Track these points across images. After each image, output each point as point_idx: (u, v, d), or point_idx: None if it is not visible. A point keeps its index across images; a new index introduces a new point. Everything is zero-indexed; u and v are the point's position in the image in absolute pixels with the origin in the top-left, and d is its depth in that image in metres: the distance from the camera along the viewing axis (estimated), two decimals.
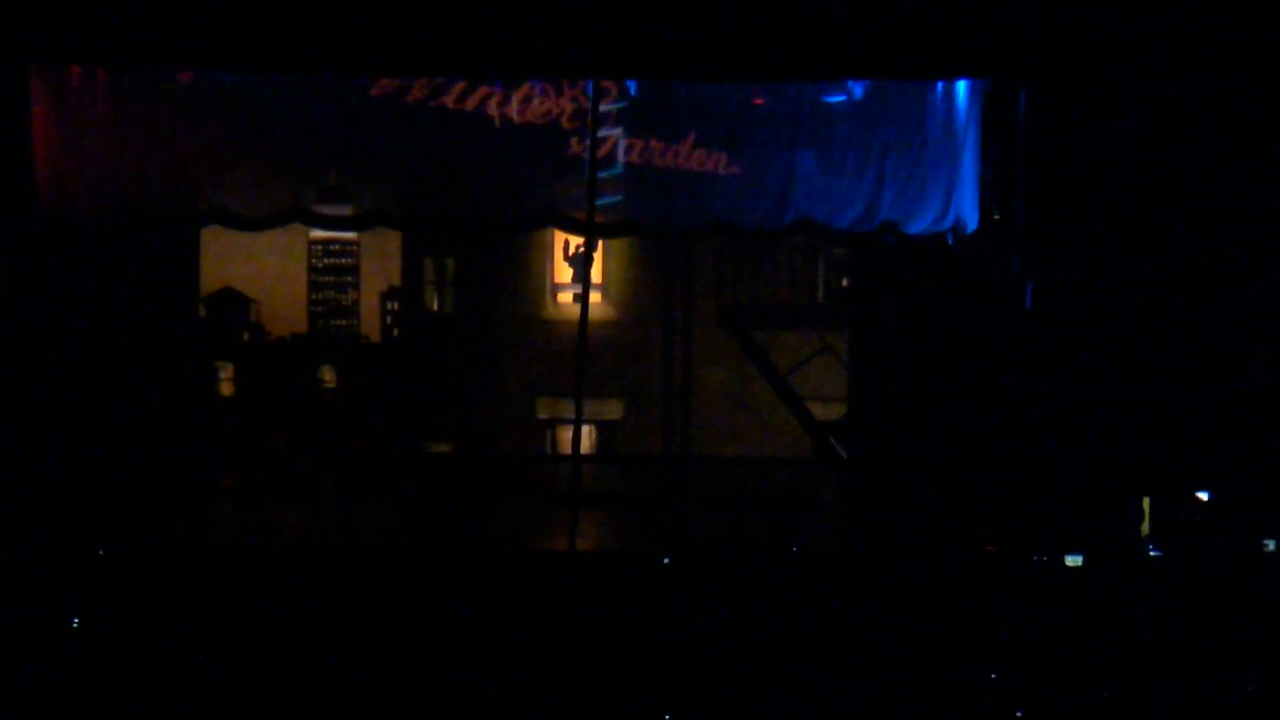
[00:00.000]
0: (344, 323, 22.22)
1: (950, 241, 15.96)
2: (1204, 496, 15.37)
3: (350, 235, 21.67)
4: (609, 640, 13.46)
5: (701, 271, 21.22)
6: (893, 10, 15.05)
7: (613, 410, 21.34)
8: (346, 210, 16.66)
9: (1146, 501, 15.39)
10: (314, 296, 22.28)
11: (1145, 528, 15.38)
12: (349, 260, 22.28)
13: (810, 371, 20.50)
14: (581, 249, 20.17)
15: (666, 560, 14.55)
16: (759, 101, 16.15)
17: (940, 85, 15.95)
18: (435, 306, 22.10)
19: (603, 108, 15.83)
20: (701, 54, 15.27)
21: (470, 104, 16.05)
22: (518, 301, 21.68)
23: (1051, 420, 15.44)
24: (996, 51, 15.30)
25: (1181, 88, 15.29)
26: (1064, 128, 15.40)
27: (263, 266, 21.63)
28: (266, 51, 15.24)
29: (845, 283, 20.88)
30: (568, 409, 20.02)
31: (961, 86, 15.91)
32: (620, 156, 16.12)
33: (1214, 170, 15.32)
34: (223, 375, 21.11)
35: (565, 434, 21.16)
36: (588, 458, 19.70)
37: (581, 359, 15.54)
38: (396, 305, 22.09)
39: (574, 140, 15.97)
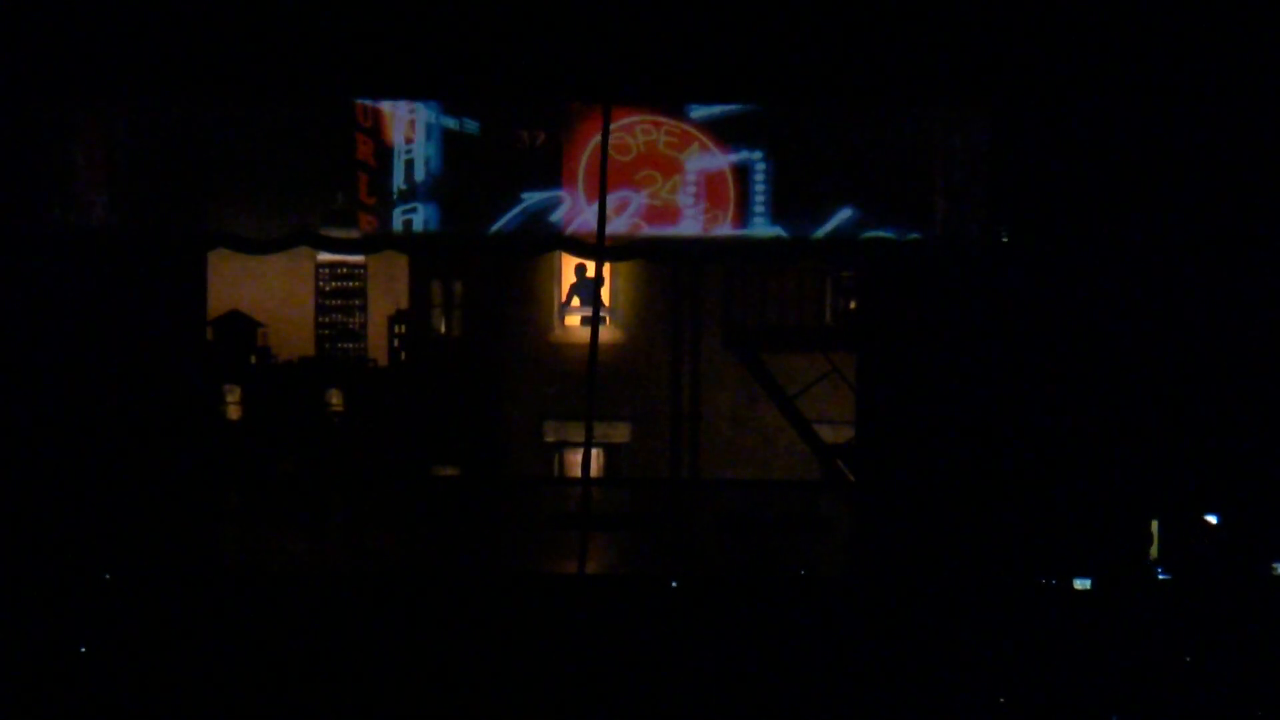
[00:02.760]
0: (351, 346, 22.22)
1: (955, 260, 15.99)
2: (1213, 520, 15.36)
3: (358, 258, 21.69)
4: (618, 663, 13.44)
5: (709, 294, 21.25)
6: (893, 36, 15.15)
7: (620, 433, 21.34)
8: (354, 233, 16.66)
9: (1155, 525, 15.38)
10: (321, 320, 22.28)
11: (1154, 551, 15.36)
12: (356, 283, 22.29)
13: (817, 394, 20.49)
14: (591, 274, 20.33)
15: (674, 583, 14.54)
16: None
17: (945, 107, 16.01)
18: (442, 329, 22.10)
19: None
20: (710, 77, 15.38)
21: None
22: (525, 324, 21.70)
23: (1060, 444, 15.44)
24: (1001, 77, 15.37)
25: (1188, 105, 15.34)
26: (1073, 148, 15.42)
27: (270, 290, 21.65)
28: (268, 76, 15.39)
29: (852, 305, 20.88)
30: (575, 432, 20.06)
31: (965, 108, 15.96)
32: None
33: (1225, 194, 15.34)
34: (230, 398, 21.11)
35: (572, 457, 21.17)
36: (596, 481, 19.70)
37: (591, 382, 15.51)
38: (404, 328, 22.09)
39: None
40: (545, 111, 16.46)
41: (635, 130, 16.46)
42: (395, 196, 16.57)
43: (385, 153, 16.52)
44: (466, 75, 16.00)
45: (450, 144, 16.52)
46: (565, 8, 15.40)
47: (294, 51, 15.84)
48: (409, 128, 16.52)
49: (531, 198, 16.55)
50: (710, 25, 15.36)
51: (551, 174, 16.50)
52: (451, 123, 16.66)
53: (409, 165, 16.57)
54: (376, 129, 16.56)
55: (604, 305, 21.00)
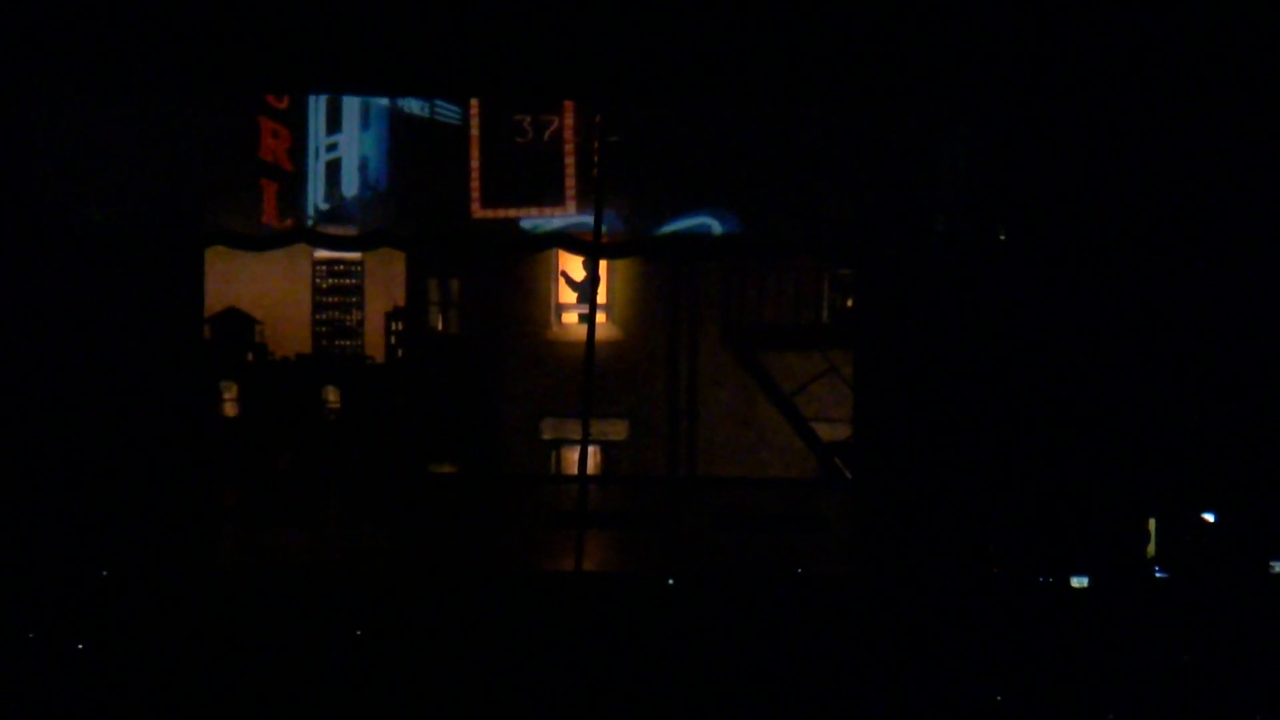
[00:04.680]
0: (348, 343, 22.19)
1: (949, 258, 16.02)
2: (1210, 518, 15.35)
3: (354, 255, 21.64)
4: (615, 661, 13.43)
5: (706, 292, 21.23)
6: (888, 35, 15.16)
7: (617, 431, 21.32)
8: (351, 230, 16.58)
9: (1153, 523, 15.37)
10: (318, 317, 22.25)
11: (1151, 549, 15.36)
12: (353, 280, 22.26)
13: (815, 392, 20.50)
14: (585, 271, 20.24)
15: (671, 581, 14.53)
16: None
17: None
18: (439, 327, 22.08)
19: None
20: (696, 77, 15.36)
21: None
22: (522, 322, 21.68)
23: (1057, 441, 15.43)
24: (998, 74, 15.38)
25: (1185, 102, 15.35)
26: (1071, 146, 15.42)
27: (267, 287, 21.60)
28: (263, 71, 15.26)
29: (849, 303, 20.87)
30: (572, 430, 20.04)
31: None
32: None
33: (1223, 193, 15.34)
34: (227, 396, 21.08)
35: (570, 455, 21.15)
36: (593, 478, 19.70)
37: (588, 380, 15.49)
38: (401, 325, 22.06)
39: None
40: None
41: None
42: (311, 217, 13.24)
43: (303, 150, 13.38)
44: (454, 73, 13.51)
45: (406, 136, 13.41)
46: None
47: (285, 46, 14.72)
48: (333, 110, 13.05)
49: (543, 228, 14.05)
50: (705, 23, 15.32)
51: (565, 185, 14.01)
52: (414, 105, 13.15)
53: (333, 170, 13.37)
54: (293, 113, 13.08)
55: (600, 302, 20.96)
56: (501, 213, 14.20)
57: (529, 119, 13.20)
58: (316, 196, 12.13)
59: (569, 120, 13.72)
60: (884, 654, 13.56)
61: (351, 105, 12.40)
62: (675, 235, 16.13)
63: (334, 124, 11.90)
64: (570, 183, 13.97)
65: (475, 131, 13.62)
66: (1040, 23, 15.21)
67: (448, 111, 13.01)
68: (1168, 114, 15.40)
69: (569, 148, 14.08)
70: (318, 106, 12.55)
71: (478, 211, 13.91)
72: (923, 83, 15.50)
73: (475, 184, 13.88)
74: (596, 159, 15.21)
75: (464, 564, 15.54)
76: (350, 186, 12.32)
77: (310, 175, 12.02)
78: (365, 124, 12.19)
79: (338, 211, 12.75)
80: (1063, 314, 15.58)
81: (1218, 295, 15.50)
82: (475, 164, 13.73)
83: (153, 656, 13.23)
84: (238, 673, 13.10)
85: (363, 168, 12.29)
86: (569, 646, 13.56)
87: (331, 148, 12.11)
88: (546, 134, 13.67)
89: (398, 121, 12.64)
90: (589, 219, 14.65)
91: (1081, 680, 13.34)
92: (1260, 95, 15.31)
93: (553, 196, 13.82)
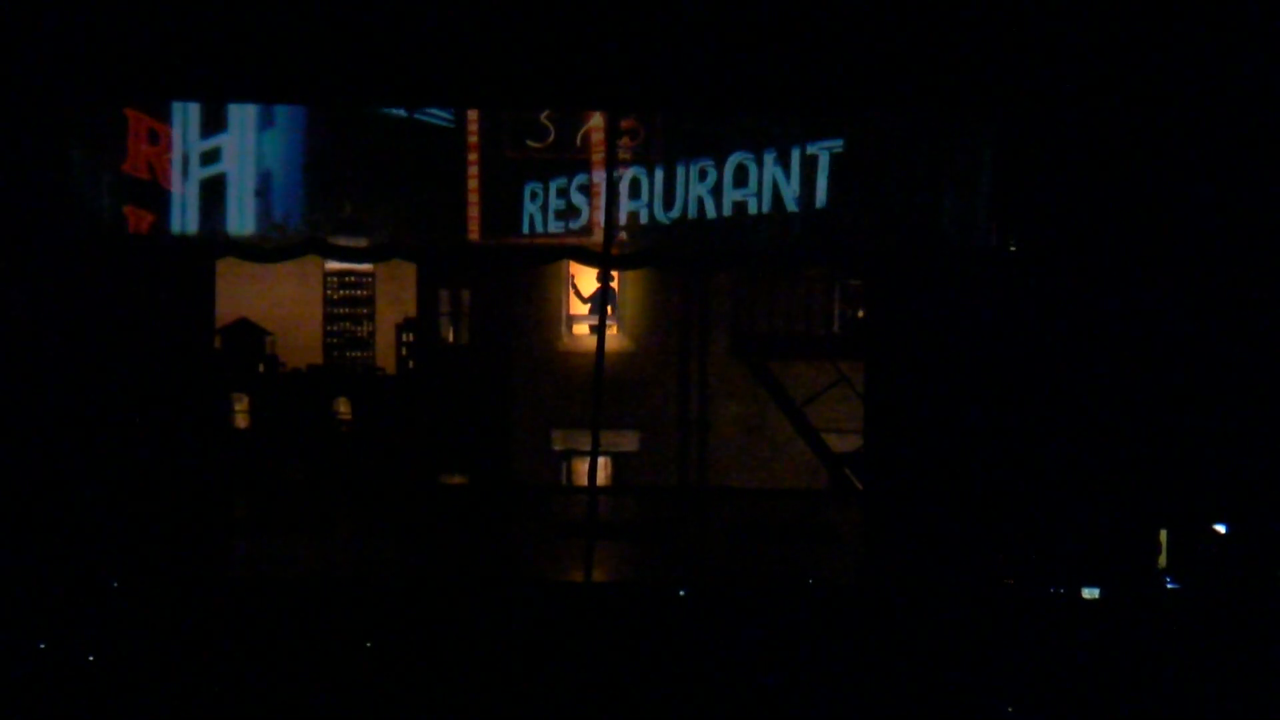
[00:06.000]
0: (359, 354, 22.22)
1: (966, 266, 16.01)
2: (1221, 529, 15.33)
3: (365, 267, 21.68)
4: (625, 672, 13.42)
5: (717, 303, 21.22)
6: (901, 44, 15.16)
7: (628, 442, 21.30)
8: (362, 242, 16.59)
9: (1164, 534, 15.35)
10: (329, 328, 22.29)
11: (1163, 560, 15.34)
12: (364, 292, 22.30)
13: (826, 403, 20.46)
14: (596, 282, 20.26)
15: (682, 592, 14.52)
16: None
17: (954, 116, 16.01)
18: (450, 338, 22.09)
19: None
20: (714, 87, 15.34)
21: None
22: (533, 333, 21.67)
23: (1068, 453, 15.41)
24: (1009, 84, 15.38)
25: (1196, 113, 15.35)
26: (1082, 157, 15.41)
27: (278, 298, 21.65)
28: (282, 81, 15.23)
29: (860, 313, 20.86)
30: (583, 440, 20.01)
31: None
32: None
33: (1234, 202, 15.33)
34: (238, 407, 21.12)
35: (580, 465, 21.14)
36: (604, 489, 19.69)
37: (598, 390, 15.49)
38: (411, 337, 22.08)
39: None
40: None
41: None
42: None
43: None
44: (468, 83, 12.78)
45: (363, 141, 10.74)
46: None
47: (306, 57, 14.42)
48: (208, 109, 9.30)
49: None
50: (716, 29, 15.32)
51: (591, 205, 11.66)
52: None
53: (212, 191, 10.39)
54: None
55: (610, 313, 20.97)
56: (506, 241, 12.35)
57: (547, 114, 10.60)
58: (180, 219, 8.40)
59: (599, 126, 11.53)
60: (895, 665, 13.54)
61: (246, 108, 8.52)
62: (686, 246, 16.16)
63: (214, 120, 8.41)
64: (598, 202, 12.14)
65: (474, 139, 11.64)
66: (1055, 36, 15.22)
67: (438, 112, 10.30)
68: (1183, 127, 15.39)
69: (597, 159, 12.52)
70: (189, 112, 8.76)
71: (474, 235, 11.95)
72: (936, 90, 15.51)
73: (474, 206, 12.14)
74: (607, 171, 15.24)
75: (474, 574, 15.54)
76: (240, 218, 8.73)
77: (174, 198, 8.63)
78: (267, 119, 8.82)
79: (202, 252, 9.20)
80: (1074, 326, 15.57)
81: (1229, 308, 15.49)
82: (474, 176, 12.01)
83: (163, 667, 13.23)
84: (248, 683, 13.10)
85: (263, 190, 8.99)
86: (579, 657, 13.55)
87: (211, 158, 8.84)
88: (579, 136, 11.71)
89: (353, 120, 9.66)
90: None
91: (1093, 691, 13.32)
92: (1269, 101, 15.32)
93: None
